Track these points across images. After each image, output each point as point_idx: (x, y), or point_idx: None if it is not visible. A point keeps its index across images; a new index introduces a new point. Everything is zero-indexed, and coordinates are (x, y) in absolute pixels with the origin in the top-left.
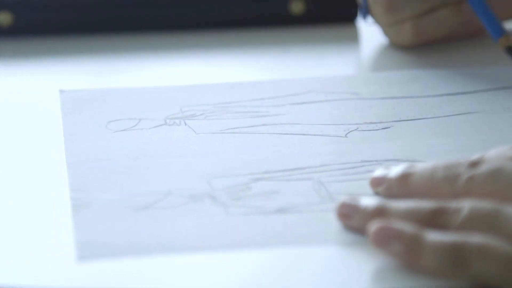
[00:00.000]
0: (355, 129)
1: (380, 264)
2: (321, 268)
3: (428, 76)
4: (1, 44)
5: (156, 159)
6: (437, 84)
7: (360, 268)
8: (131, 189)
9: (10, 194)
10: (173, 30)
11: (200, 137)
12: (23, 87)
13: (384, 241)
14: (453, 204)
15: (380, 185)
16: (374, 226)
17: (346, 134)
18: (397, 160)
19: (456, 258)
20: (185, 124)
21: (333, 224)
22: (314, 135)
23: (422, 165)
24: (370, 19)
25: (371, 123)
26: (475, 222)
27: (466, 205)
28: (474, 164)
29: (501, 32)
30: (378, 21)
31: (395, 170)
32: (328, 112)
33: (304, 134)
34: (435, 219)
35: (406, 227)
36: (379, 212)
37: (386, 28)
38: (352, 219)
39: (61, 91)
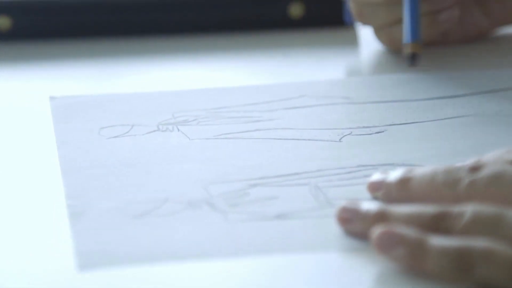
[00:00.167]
0: (349, 134)
1: (381, 270)
2: (322, 275)
3: (418, 80)
4: (0, 48)
5: (152, 166)
6: (428, 88)
7: (361, 274)
8: (128, 196)
9: (5, 203)
10: (171, 34)
11: (194, 143)
12: (22, 91)
13: (388, 246)
14: (456, 208)
15: (378, 190)
16: (377, 231)
17: (340, 139)
18: (393, 165)
19: (460, 262)
20: (178, 130)
21: (334, 230)
22: (309, 140)
23: (421, 170)
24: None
25: (364, 127)
26: (478, 226)
27: (468, 209)
28: (475, 168)
29: (416, 37)
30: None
31: (393, 175)
32: (321, 116)
33: (298, 139)
34: (437, 224)
35: (410, 231)
36: (380, 217)
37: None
38: (353, 223)
39: (52, 98)
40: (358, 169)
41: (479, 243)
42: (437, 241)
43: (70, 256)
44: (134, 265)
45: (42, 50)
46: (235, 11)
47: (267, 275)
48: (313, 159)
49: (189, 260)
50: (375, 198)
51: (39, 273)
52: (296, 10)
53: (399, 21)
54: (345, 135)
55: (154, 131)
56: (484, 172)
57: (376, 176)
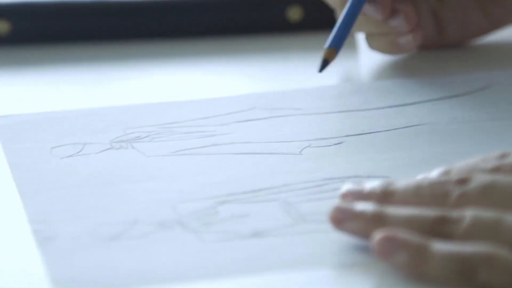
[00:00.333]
0: (308, 146)
1: (368, 285)
2: None
3: (370, 88)
4: None
5: (113, 186)
6: (380, 96)
7: None
8: (95, 219)
9: None
10: (169, 38)
11: (152, 160)
12: (21, 94)
13: (390, 251)
14: (455, 213)
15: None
16: (377, 236)
17: (300, 151)
18: (359, 177)
19: (463, 267)
20: (133, 147)
21: (315, 247)
22: (269, 153)
23: (402, 184)
24: None
25: (322, 139)
26: (478, 230)
27: (468, 214)
28: (462, 181)
29: (334, 45)
30: None
31: (371, 187)
32: (277, 129)
33: (258, 153)
34: (437, 228)
35: (412, 237)
36: (377, 219)
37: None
38: (347, 224)
39: None
40: (325, 183)
41: (481, 248)
42: (440, 246)
43: (43, 281)
44: None
45: (41, 54)
46: (233, 15)
47: None
48: (277, 174)
49: (167, 284)
50: None
51: None
52: (294, 14)
53: (389, 31)
54: (305, 148)
55: (108, 149)
56: (474, 184)
57: (347, 187)
